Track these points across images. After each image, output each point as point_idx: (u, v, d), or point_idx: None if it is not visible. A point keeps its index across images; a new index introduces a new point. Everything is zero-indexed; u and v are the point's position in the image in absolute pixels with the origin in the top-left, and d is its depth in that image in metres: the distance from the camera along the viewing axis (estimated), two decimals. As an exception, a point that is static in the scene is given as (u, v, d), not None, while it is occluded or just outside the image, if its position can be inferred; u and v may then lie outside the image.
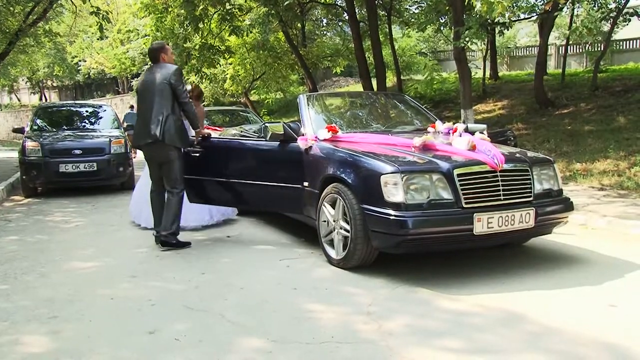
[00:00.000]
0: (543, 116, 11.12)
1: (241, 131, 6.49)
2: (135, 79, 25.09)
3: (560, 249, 4.27)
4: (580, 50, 18.55)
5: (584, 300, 3.14)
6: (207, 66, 14.31)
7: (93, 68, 30.08)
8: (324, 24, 20.98)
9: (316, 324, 2.86)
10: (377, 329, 2.77)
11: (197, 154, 4.76)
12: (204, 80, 15.51)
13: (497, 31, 12.44)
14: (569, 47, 15.73)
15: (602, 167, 7.23)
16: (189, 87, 5.37)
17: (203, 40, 13.67)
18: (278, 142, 4.49)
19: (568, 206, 3.89)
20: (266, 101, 21.74)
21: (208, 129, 5.76)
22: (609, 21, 12.22)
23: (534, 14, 11.99)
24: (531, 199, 3.66)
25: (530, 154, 4.09)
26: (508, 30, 11.66)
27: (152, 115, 4.45)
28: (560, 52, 18.06)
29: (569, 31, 13.86)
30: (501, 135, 5.51)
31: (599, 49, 15.77)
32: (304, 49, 17.25)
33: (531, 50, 20.40)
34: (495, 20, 10.23)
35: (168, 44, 5.14)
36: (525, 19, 13.05)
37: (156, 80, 4.50)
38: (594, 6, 11.79)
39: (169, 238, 4.55)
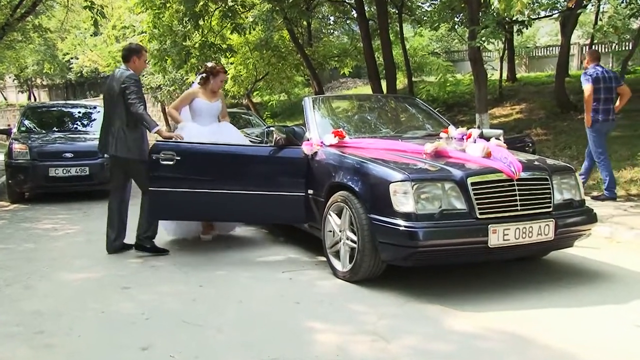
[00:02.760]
0: (564, 121, 11.09)
1: (243, 135, 6.51)
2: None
3: (582, 263, 4.26)
4: (606, 50, 18.49)
5: (608, 320, 3.12)
6: (208, 66, 14.38)
7: (86, 66, 30.15)
8: (331, 22, 21.07)
9: (318, 343, 2.87)
10: (382, 350, 2.77)
11: (171, 162, 4.43)
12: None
13: (515, 30, 12.45)
14: (593, 46, 15.70)
15: (629, 176, 7.21)
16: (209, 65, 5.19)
17: (203, 39, 13.76)
18: (280, 147, 4.49)
19: (591, 217, 3.89)
20: (269, 103, 21.80)
21: None
22: (639, 18, 12.16)
23: (556, 12, 11.99)
24: (551, 209, 3.66)
25: (550, 161, 4.09)
26: (527, 29, 11.67)
27: (108, 126, 4.68)
28: (584, 52, 18.04)
29: (593, 30, 13.84)
30: (519, 141, 5.51)
31: (626, 48, 15.72)
32: (309, 49, 17.32)
33: (552, 50, 20.40)
34: (514, 19, 10.24)
35: (147, 50, 5.17)
36: (546, 16, 13.06)
37: (114, 86, 4.65)
38: (622, 2, 11.74)
39: (143, 242, 4.67)
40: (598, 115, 6.41)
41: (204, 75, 5.13)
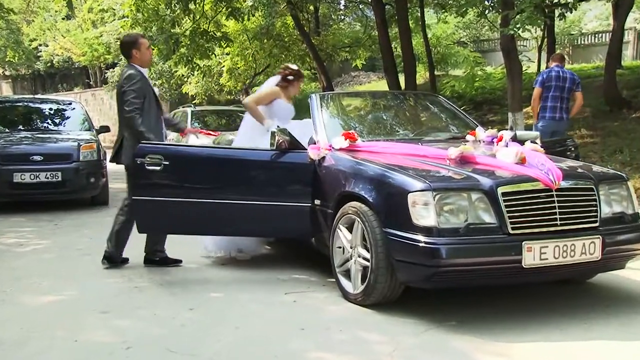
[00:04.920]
0: (615, 120, 11.04)
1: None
2: (111, 69, 25.39)
3: (636, 288, 4.26)
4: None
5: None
6: (200, 57, 14.49)
7: (57, 55, 30.24)
8: (342, 7, 21.17)
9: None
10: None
11: (158, 167, 4.47)
12: (195, 74, 15.65)
13: (556, 14, 12.41)
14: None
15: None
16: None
17: (195, 25, 13.85)
18: (282, 151, 4.52)
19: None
20: (270, 100, 21.84)
21: (201, 133, 5.81)
22: None
23: (607, -9, 11.92)
24: (597, 224, 3.67)
25: (596, 168, 4.11)
26: (571, 12, 11.63)
27: (119, 133, 4.90)
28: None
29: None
30: (559, 144, 5.53)
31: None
32: (317, 38, 17.40)
33: (601, 37, 20.27)
34: (555, 1, 10.22)
35: (144, 35, 5.28)
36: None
37: (118, 88, 4.84)
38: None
39: (152, 255, 4.95)
40: (545, 113, 7.42)
41: (290, 77, 5.29)
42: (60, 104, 9.99)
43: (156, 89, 5.10)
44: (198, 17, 13.83)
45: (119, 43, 4.94)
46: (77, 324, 3.66)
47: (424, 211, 3.46)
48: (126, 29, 14.12)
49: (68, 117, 9.42)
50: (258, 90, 5.84)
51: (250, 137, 5.13)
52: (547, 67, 7.87)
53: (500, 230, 3.46)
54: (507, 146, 4.25)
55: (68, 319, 3.77)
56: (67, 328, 3.59)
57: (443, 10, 15.94)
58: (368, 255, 3.74)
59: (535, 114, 7.59)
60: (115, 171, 10.54)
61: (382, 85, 19.23)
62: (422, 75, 18.97)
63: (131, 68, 4.79)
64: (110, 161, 5.11)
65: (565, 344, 3.24)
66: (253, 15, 15.39)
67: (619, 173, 4.10)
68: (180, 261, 5.00)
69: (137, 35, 5.03)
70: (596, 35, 20.92)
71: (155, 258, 4.96)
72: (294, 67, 5.44)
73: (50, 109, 9.73)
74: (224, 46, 15.76)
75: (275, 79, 5.39)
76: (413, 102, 6.00)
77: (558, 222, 3.55)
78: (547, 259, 3.46)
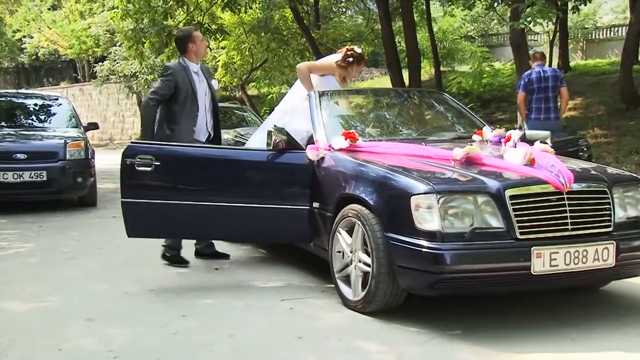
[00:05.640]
0: (631, 119, 11.05)
1: (235, 136, 6.55)
2: (100, 63, 25.40)
3: (650, 297, 4.27)
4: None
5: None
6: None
7: (43, 47, 30.21)
8: (343, 0, 21.19)
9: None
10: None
11: (149, 168, 4.47)
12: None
13: (569, 7, 12.41)
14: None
15: None
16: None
17: (189, 17, 13.86)
18: (280, 151, 4.52)
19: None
20: (268, 97, 21.91)
21: None
22: None
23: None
24: (611, 229, 3.66)
25: (610, 170, 4.11)
26: (586, 5, 11.61)
27: None
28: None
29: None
30: (571, 144, 5.55)
31: None
32: (317, 31, 17.43)
33: (617, 31, 20.28)
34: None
35: (197, 29, 5.58)
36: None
37: None
38: None
39: (165, 250, 5.13)
40: (531, 115, 7.77)
41: (350, 59, 5.30)
42: (45, 99, 9.96)
43: (215, 83, 5.25)
44: (192, 8, 13.85)
45: (174, 39, 5.26)
46: (61, 332, 3.66)
47: (427, 215, 3.46)
48: (116, 20, 14.13)
49: (54, 113, 9.41)
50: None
51: (291, 112, 5.18)
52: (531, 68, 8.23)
53: (508, 235, 3.47)
54: (515, 146, 4.25)
55: (52, 326, 3.77)
56: (50, 336, 3.59)
57: (449, 3, 15.90)
58: (369, 261, 3.75)
59: (523, 118, 8.01)
60: (104, 171, 10.58)
61: (385, 82, 19.24)
62: (427, 71, 19.00)
63: (174, 63, 5.10)
64: None
65: (576, 355, 3.24)
66: (250, 8, 15.41)
67: (634, 175, 4.11)
68: (188, 262, 5.11)
69: (190, 28, 5.31)
70: (612, 29, 20.90)
71: (168, 254, 5.09)
72: (359, 50, 5.46)
73: (35, 104, 9.70)
74: (220, 40, 15.76)
75: (337, 56, 5.44)
76: (417, 99, 6.01)
77: (569, 227, 3.55)
78: (557, 265, 3.46)
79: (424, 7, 15.73)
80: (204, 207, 4.48)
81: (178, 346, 3.42)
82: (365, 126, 5.11)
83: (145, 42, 13.87)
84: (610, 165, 7.18)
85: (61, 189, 7.99)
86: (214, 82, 5.26)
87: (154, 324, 3.76)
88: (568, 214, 3.56)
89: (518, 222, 3.47)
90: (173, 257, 5.08)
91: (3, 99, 9.89)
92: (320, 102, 4.93)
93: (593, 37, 21.04)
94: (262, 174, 4.61)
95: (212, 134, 5.21)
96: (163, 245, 5.11)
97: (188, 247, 5.22)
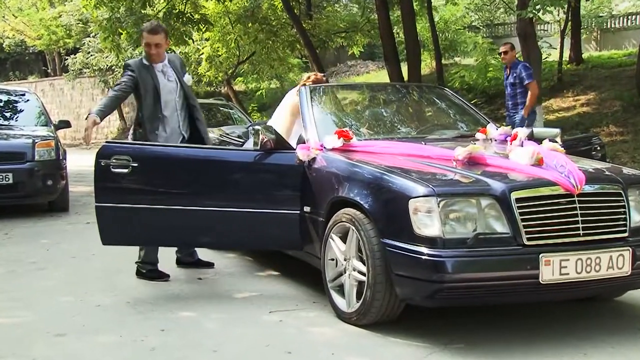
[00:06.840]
0: (649, 116, 11.12)
1: (220, 135, 6.54)
2: (72, 55, 25.33)
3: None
4: None
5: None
6: (175, 42, 14.46)
7: (8, 37, 30.06)
8: (337, -13, 21.22)
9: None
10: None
11: (125, 169, 4.45)
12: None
13: (582, -6, 12.37)
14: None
15: None
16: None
17: (169, 6, 13.83)
18: (268, 151, 4.52)
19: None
20: (257, 93, 21.90)
21: None
22: None
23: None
24: (626, 234, 3.68)
25: (626, 170, 4.13)
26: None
27: None
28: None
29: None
30: (583, 143, 5.57)
31: None
32: (308, 22, 17.42)
33: (634, 19, 20.26)
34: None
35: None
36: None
37: None
38: None
39: (140, 267, 5.06)
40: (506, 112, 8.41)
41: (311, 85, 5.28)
42: (11, 95, 9.92)
43: (187, 78, 5.16)
44: (173, -4, 13.81)
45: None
46: (29, 349, 3.64)
47: (427, 219, 3.47)
48: (89, 9, 14.08)
49: (21, 110, 9.38)
50: None
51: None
52: (508, 59, 8.48)
53: (514, 241, 3.48)
54: (522, 145, 4.27)
55: (18, 342, 3.75)
56: (18, 354, 3.58)
57: (452, -9, 16.01)
58: (364, 269, 3.76)
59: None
60: (77, 173, 10.54)
61: (382, 76, 19.29)
62: (427, 64, 19.05)
63: (135, 60, 5.11)
64: None
65: (586, 370, 3.27)
66: (236, -5, 15.39)
67: (651, 176, 4.12)
68: (168, 276, 5.01)
69: (143, 27, 5.21)
70: (629, 17, 20.77)
71: (143, 271, 5.00)
72: (320, 75, 5.58)
73: (0, 100, 9.61)
74: (203, 30, 15.74)
75: (297, 90, 5.31)
76: (416, 95, 6.03)
77: (580, 232, 3.56)
78: (568, 274, 3.47)
79: (425, -5, 15.77)
80: (185, 212, 4.48)
81: (157, 363, 3.42)
82: (360, 124, 5.12)
83: (122, 33, 13.82)
84: (626, 166, 7.23)
85: (29, 192, 7.95)
86: (187, 77, 5.10)
87: (130, 339, 3.75)
88: (579, 218, 3.57)
89: (525, 226, 3.48)
90: (149, 273, 4.98)
91: (-36, 94, 9.84)
92: (311, 98, 4.94)
93: (608, 26, 20.90)
94: (249, 175, 4.60)
95: (186, 136, 5.09)
96: (137, 262, 5.03)
97: (169, 256, 5.21)
